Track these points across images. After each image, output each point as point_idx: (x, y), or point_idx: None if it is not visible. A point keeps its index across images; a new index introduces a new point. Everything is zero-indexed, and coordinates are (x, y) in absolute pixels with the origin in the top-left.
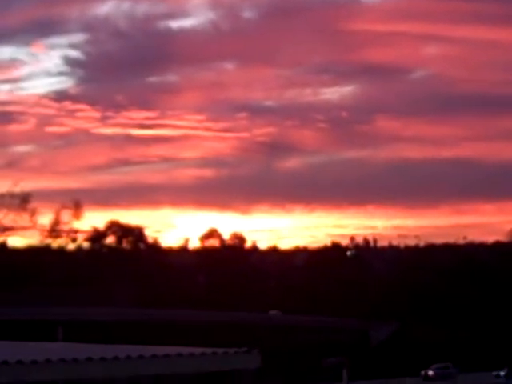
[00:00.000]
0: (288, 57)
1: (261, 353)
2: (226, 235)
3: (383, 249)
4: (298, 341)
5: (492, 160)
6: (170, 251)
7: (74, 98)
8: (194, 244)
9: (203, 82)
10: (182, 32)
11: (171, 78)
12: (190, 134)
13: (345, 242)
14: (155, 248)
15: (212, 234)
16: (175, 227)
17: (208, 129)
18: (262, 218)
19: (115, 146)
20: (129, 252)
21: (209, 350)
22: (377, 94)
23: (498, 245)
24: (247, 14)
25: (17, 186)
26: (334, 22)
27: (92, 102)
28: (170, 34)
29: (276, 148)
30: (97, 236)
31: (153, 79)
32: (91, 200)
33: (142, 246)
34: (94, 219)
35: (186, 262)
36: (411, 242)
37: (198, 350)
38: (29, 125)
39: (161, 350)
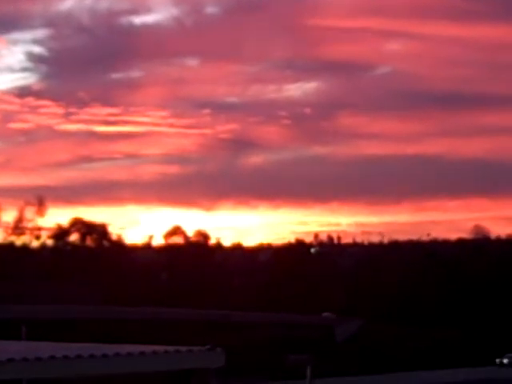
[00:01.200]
0: (251, 53)
1: (224, 351)
2: (190, 232)
3: (347, 246)
4: (262, 338)
5: (455, 157)
6: (133, 248)
7: (37, 94)
8: (158, 241)
9: (166, 78)
10: (145, 28)
11: (134, 74)
12: (154, 130)
13: (309, 239)
14: (119, 245)
15: (176, 231)
16: (139, 224)
17: (171, 125)
18: (226, 215)
19: (79, 142)
20: (93, 249)
21: (172, 348)
22: (340, 90)
23: (461, 241)
24: (210, 9)
25: None
26: (297, 18)
27: (55, 98)
28: (133, 29)
29: (240, 144)
30: (60, 233)
31: (116, 75)
32: (55, 197)
33: (105, 243)
34: (58, 216)
35: (150, 260)
36: (375, 239)
37: (161, 348)
38: None
39: (124, 348)
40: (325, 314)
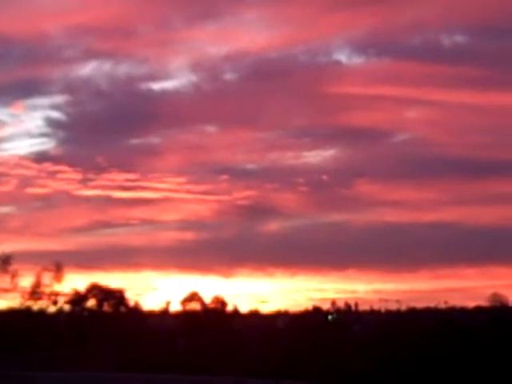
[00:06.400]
0: (269, 120)
1: None
2: (208, 298)
3: (364, 313)
4: None
5: (473, 224)
6: (150, 314)
7: (55, 160)
8: (175, 307)
9: (184, 145)
10: (164, 94)
11: (152, 140)
12: (171, 196)
13: (326, 305)
14: (136, 311)
15: (193, 297)
16: (156, 290)
17: (189, 191)
18: (243, 282)
19: (96, 207)
20: (109, 315)
21: None
22: (358, 157)
23: (478, 309)
24: (229, 76)
25: None
26: (315, 85)
27: (73, 164)
28: (152, 95)
29: (257, 211)
30: (78, 299)
31: (134, 141)
32: (72, 262)
33: (122, 308)
34: (75, 282)
35: (167, 326)
36: (392, 307)
37: None
38: (9, 186)
39: None
40: None
